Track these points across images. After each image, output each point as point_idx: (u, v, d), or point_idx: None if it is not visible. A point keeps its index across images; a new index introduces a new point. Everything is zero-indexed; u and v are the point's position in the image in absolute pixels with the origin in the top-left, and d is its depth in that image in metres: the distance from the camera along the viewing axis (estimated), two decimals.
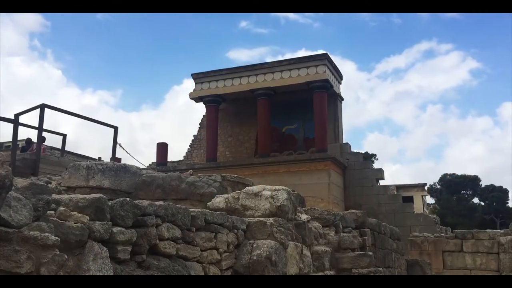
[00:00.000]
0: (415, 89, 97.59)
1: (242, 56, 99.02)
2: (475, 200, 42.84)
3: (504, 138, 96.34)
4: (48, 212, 2.57)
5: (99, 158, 13.29)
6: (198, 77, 20.30)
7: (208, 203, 5.08)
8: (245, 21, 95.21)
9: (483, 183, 43.24)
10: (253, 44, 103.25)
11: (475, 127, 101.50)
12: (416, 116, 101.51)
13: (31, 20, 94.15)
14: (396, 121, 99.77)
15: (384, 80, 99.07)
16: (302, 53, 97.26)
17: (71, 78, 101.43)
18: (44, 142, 12.08)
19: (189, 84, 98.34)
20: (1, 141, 23.56)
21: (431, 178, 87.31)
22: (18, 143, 10.67)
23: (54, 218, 2.59)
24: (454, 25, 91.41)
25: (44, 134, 11.22)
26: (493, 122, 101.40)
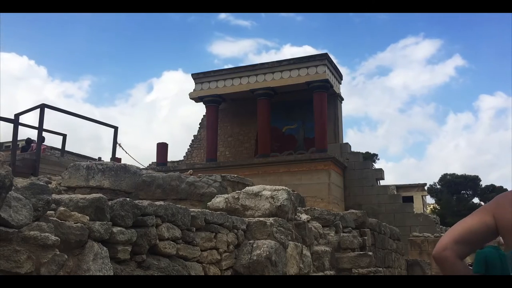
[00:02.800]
0: (397, 85, 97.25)
1: (226, 51, 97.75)
2: (475, 200, 42.85)
3: (485, 134, 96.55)
4: (48, 212, 2.57)
5: (99, 158, 13.29)
6: (198, 77, 20.30)
7: (208, 203, 5.08)
8: (224, 13, 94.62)
9: (482, 183, 43.32)
10: (235, 37, 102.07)
11: (456, 123, 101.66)
12: (396, 113, 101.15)
13: None
14: (376, 117, 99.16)
15: (366, 75, 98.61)
16: (288, 48, 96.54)
17: (32, 69, 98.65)
18: (43, 142, 12.08)
19: (168, 77, 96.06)
20: (1, 141, 23.55)
21: (415, 176, 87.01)
22: (18, 143, 10.67)
23: (54, 218, 2.59)
24: (440, 20, 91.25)
25: (44, 134, 11.21)
26: (474, 118, 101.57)
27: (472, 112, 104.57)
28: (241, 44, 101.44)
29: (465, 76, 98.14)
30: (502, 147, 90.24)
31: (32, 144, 12.61)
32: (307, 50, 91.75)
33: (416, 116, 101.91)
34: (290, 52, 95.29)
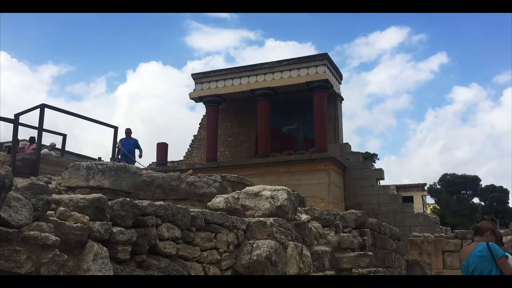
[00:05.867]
0: (377, 81, 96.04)
1: (207, 44, 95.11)
2: (475, 200, 42.91)
3: (462, 128, 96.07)
4: (48, 212, 2.57)
5: (99, 158, 13.29)
6: (198, 77, 20.31)
7: (208, 203, 5.08)
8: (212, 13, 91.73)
9: (482, 183, 43.41)
10: (214, 28, 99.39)
11: (435, 119, 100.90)
12: (376, 110, 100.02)
13: None
14: (354, 114, 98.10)
15: (351, 69, 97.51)
16: (272, 42, 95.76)
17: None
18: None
19: (144, 69, 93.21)
20: (1, 141, 23.56)
21: (397, 173, 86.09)
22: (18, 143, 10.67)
23: (54, 218, 2.59)
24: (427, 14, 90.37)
25: (44, 134, 11.20)
26: (451, 113, 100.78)
27: (449, 107, 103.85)
28: (221, 36, 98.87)
29: (448, 71, 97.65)
30: (481, 142, 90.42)
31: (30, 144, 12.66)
32: (290, 44, 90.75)
33: (395, 112, 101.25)
34: (271, 45, 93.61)
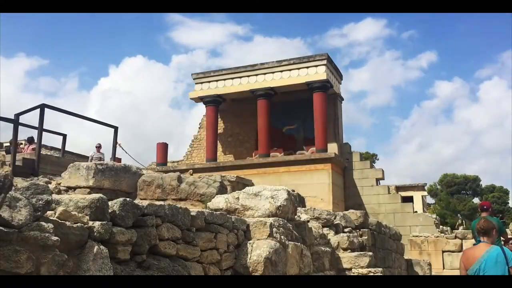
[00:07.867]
0: (365, 79, 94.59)
1: (194, 40, 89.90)
2: (476, 200, 42.87)
3: (447, 125, 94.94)
4: (48, 212, 2.57)
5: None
6: (198, 77, 20.31)
7: (208, 203, 5.08)
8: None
9: (482, 183, 43.43)
10: (200, 22, 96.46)
11: (420, 117, 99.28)
12: (362, 108, 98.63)
13: None
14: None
15: (339, 65, 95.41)
16: (260, 39, 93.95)
17: None
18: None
19: (127, 65, 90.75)
20: (1, 141, 23.56)
21: (386, 173, 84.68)
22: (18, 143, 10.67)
23: (54, 218, 2.59)
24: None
25: (44, 134, 11.20)
26: (431, 109, 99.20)
27: (429, 103, 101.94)
28: (208, 31, 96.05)
29: (436, 68, 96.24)
30: (462, 138, 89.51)
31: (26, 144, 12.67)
32: (279, 40, 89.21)
33: (381, 109, 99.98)
34: (259, 41, 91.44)
